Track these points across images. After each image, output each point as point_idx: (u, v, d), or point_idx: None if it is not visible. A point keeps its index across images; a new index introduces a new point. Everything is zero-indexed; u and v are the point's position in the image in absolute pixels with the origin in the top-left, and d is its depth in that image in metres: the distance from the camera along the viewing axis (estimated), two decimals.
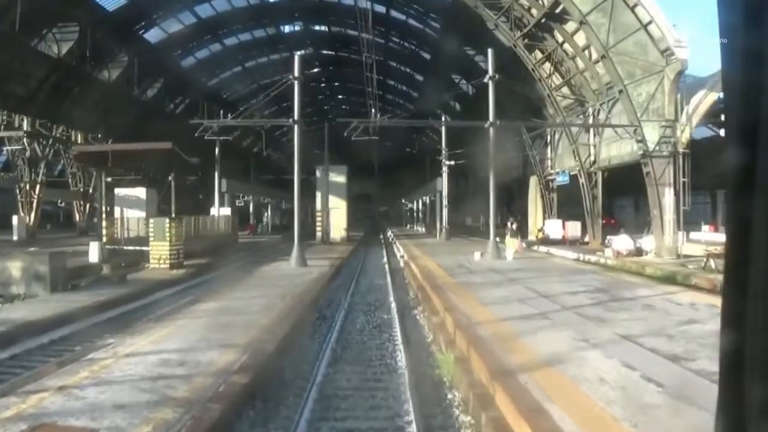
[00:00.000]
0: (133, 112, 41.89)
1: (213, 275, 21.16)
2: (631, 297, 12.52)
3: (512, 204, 53.54)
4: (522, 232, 45.83)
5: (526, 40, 32.14)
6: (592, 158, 32.66)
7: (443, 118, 46.29)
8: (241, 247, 33.03)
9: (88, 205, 48.27)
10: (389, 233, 51.81)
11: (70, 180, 50.20)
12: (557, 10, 28.19)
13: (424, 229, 51.65)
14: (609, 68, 26.49)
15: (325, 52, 56.27)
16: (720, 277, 1.37)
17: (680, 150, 24.61)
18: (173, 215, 23.78)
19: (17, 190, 40.38)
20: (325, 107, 69.71)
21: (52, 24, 34.16)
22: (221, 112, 37.54)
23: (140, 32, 41.21)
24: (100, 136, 41.41)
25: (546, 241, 34.97)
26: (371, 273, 21.71)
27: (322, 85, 65.30)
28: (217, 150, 35.72)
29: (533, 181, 40.34)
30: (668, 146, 25.16)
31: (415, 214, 59.77)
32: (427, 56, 47.73)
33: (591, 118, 32.88)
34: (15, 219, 37.17)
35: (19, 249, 24.35)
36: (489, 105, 21.73)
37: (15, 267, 15.76)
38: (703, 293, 13.50)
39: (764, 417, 0.99)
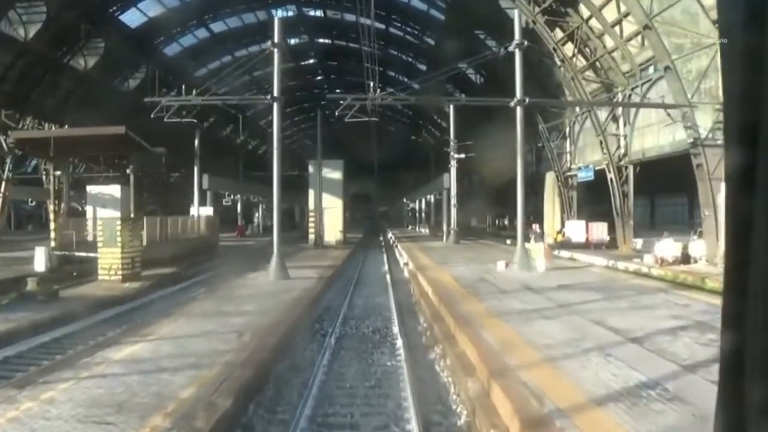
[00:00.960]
0: (114, 103, 37.94)
1: (169, 292, 16.81)
2: None
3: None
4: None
5: (546, 17, 27.77)
6: (621, 150, 28.29)
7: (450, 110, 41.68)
8: (221, 251, 28.64)
9: (62, 205, 43.94)
10: (390, 235, 47.36)
11: (43, 177, 45.96)
12: None
13: (427, 231, 47.20)
14: (653, 41, 22.06)
15: (321, 41, 52.31)
16: None
17: None
18: (140, 214, 19.46)
19: None
20: (316, 91, 65.51)
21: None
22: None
23: (116, 14, 37.04)
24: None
25: (567, 245, 30.59)
26: (369, 289, 17.20)
27: (318, 77, 60.98)
28: (196, 141, 31.29)
29: (550, 177, 35.90)
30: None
31: (417, 215, 55.26)
32: (431, 42, 43.35)
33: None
34: None
35: None
36: (516, 79, 17.34)
37: None
38: None
39: (764, 417, 0.97)
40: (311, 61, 55.15)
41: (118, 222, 18.23)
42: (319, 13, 46.13)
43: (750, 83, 1.00)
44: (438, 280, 14.97)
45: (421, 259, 22.25)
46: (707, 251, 21.42)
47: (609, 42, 27.55)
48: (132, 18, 38.90)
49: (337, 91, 69.31)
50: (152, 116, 18.30)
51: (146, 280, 18.31)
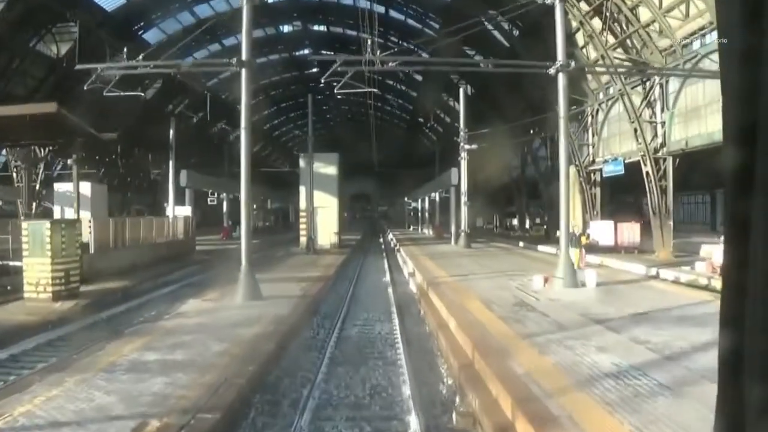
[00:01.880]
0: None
1: (103, 317, 12.64)
2: None
3: (533, 202, 45.01)
4: (548, 235, 37.44)
5: None
6: (659, 140, 24.15)
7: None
8: (197, 257, 24.43)
9: (35, 204, 39.84)
10: (390, 236, 43.18)
11: (14, 175, 41.75)
12: None
13: (431, 232, 42.95)
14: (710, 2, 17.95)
15: (316, 28, 48.26)
16: None
17: None
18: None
19: None
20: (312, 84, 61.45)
21: None
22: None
23: None
24: None
25: (592, 248, 26.47)
26: (365, 318, 12.61)
27: (314, 70, 56.59)
28: (171, 132, 27.09)
29: (570, 172, 31.64)
30: None
31: (420, 214, 50.97)
32: (437, 25, 39.19)
33: (657, 87, 24.42)
34: None
35: None
36: (557, 39, 13.17)
37: None
38: None
39: (764, 417, 0.96)
40: (306, 51, 51.03)
41: (47, 226, 14.04)
42: None
43: (749, 83, 0.98)
44: (462, 306, 10.77)
45: (430, 268, 18.07)
46: None
47: (644, 14, 23.43)
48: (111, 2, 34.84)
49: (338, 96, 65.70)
50: (86, 87, 14.04)
51: (85, 298, 14.16)
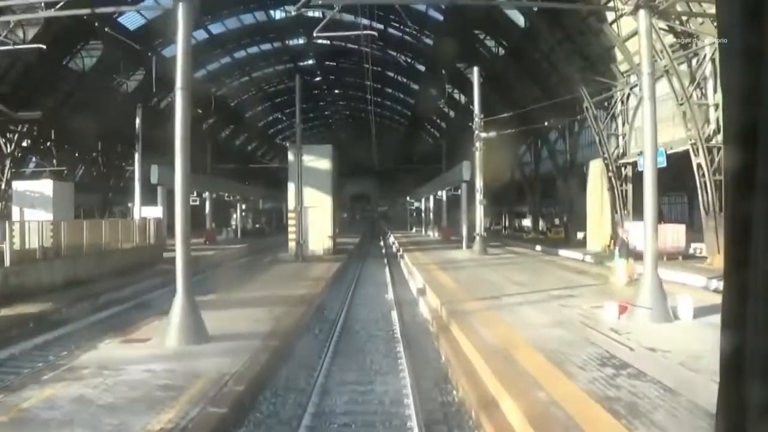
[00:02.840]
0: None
1: None
2: None
3: (545, 201, 40.82)
4: (568, 237, 33.28)
5: None
6: (712, 126, 20.04)
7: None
8: (161, 268, 20.16)
9: (1, 205, 35.74)
10: (391, 239, 38.99)
11: None
12: None
13: (437, 234, 38.70)
14: None
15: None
16: None
17: None
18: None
19: None
20: (308, 77, 57.59)
21: None
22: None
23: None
24: None
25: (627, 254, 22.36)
26: (357, 382, 7.79)
27: (308, 61, 52.65)
28: (137, 120, 22.92)
29: (596, 167, 27.52)
30: None
31: (423, 215, 46.66)
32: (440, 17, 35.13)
33: (709, 63, 20.32)
34: None
35: None
36: None
37: None
38: None
39: (764, 417, 0.95)
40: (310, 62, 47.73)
41: None
42: None
43: (749, 82, 0.96)
44: (511, 361, 6.61)
45: (445, 284, 13.86)
46: None
47: None
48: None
49: (336, 91, 62.00)
50: None
51: None
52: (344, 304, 13.32)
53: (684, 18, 20.38)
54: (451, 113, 51.12)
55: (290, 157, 24.20)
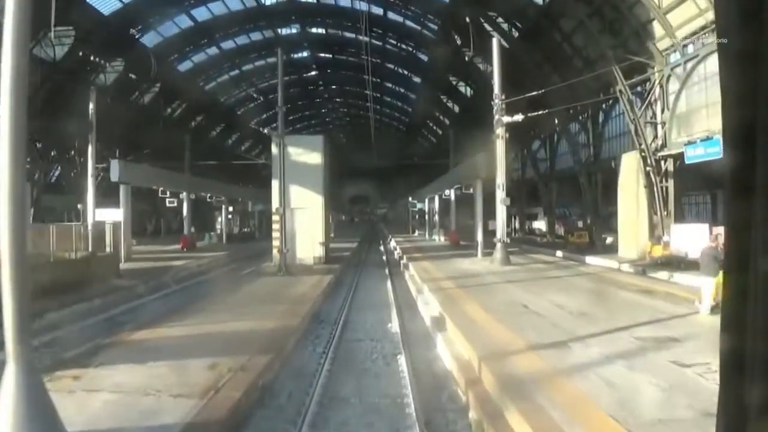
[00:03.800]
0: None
1: None
2: None
3: (563, 201, 36.83)
4: (593, 242, 29.26)
5: None
6: None
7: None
8: (112, 283, 16.09)
9: None
10: (392, 244, 34.92)
11: None
12: None
13: (444, 239, 34.59)
14: None
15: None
16: None
17: None
18: None
19: None
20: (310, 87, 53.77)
21: None
22: None
23: None
24: None
25: (673, 262, 18.41)
26: None
27: (303, 52, 48.88)
28: (91, 105, 18.87)
29: (629, 161, 23.42)
30: None
31: (427, 217, 42.53)
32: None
33: None
34: None
35: None
36: None
37: None
38: None
39: (764, 417, 0.93)
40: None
41: None
42: None
43: (748, 83, 0.95)
44: None
45: (473, 315, 9.81)
46: None
47: None
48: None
49: (333, 87, 58.39)
50: None
51: None
52: (329, 347, 9.21)
53: None
54: (456, 107, 47.40)
55: (273, 150, 20.17)
